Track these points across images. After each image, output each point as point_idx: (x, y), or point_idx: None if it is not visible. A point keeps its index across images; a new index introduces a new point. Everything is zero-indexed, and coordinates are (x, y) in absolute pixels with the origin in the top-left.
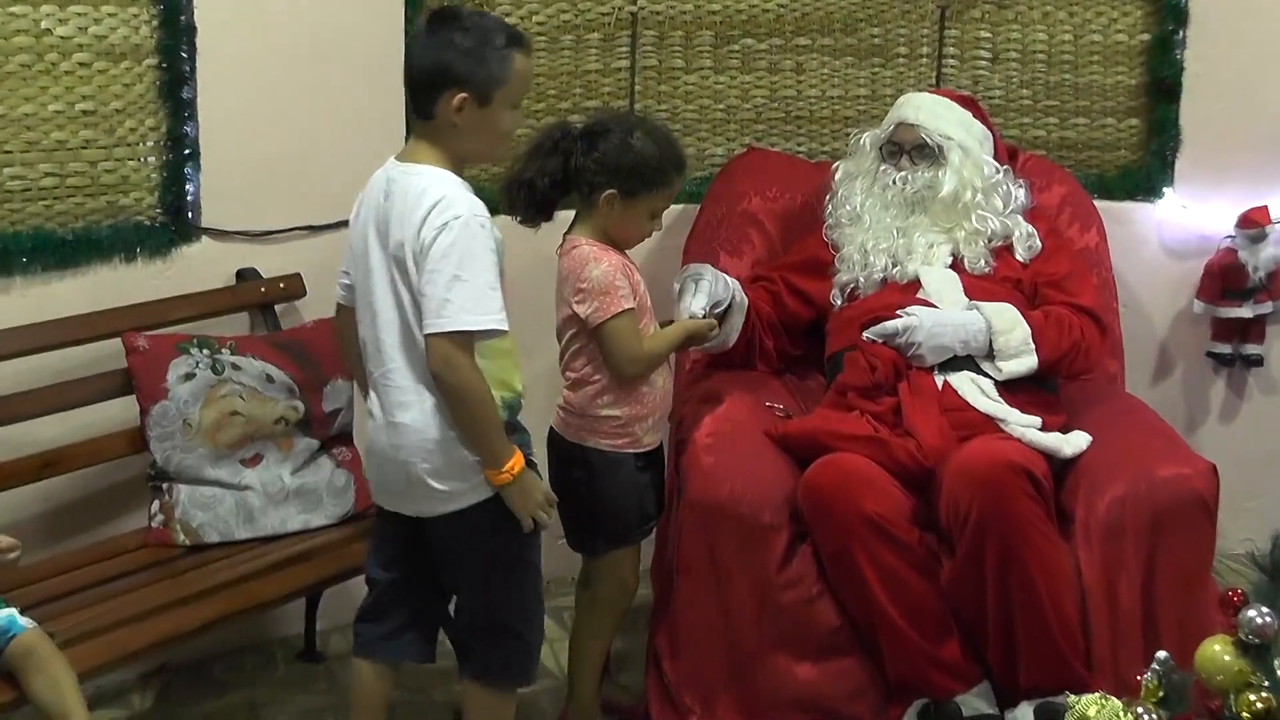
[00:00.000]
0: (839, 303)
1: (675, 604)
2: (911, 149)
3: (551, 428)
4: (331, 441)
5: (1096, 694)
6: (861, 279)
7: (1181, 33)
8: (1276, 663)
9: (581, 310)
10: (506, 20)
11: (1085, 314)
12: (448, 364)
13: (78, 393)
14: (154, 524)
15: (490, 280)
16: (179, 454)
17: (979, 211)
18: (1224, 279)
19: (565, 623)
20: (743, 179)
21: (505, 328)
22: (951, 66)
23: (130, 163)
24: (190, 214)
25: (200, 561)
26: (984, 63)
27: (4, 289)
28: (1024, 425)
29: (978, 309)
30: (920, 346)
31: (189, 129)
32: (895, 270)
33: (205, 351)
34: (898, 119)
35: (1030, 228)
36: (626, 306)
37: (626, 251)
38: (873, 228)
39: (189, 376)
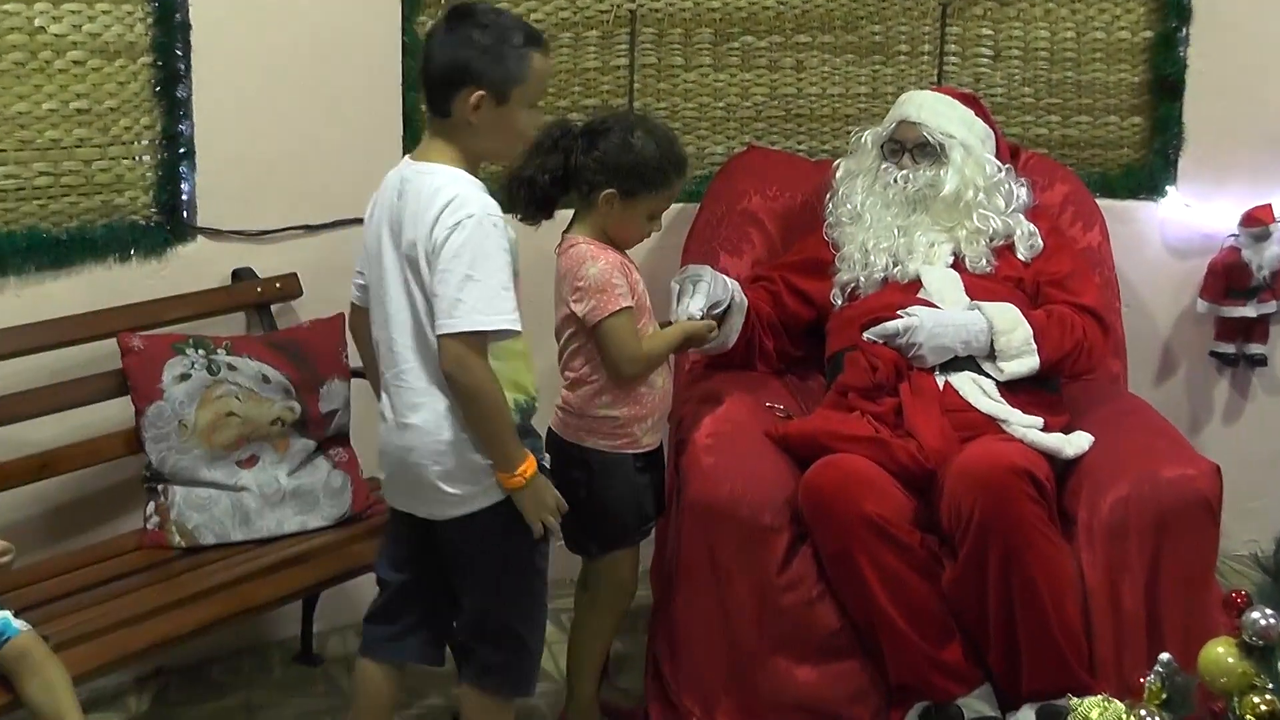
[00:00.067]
0: (839, 302)
1: (675, 605)
2: (913, 147)
3: (550, 428)
4: (328, 442)
5: (1099, 696)
6: (862, 278)
7: (1185, 30)
8: None
9: (579, 309)
10: None
11: (1087, 313)
12: (460, 365)
13: (73, 393)
14: (149, 526)
15: (503, 280)
16: (174, 455)
17: (981, 210)
18: (1227, 278)
19: (564, 625)
20: (743, 178)
21: (518, 328)
22: (953, 64)
23: (125, 162)
24: (185, 213)
25: (196, 563)
26: (986, 60)
27: None
28: (1025, 426)
29: (979, 309)
30: (921, 347)
31: (184, 128)
32: (896, 270)
33: (201, 352)
34: (899, 117)
35: (1032, 226)
36: (624, 305)
37: (626, 251)
38: (874, 226)
39: (184, 377)
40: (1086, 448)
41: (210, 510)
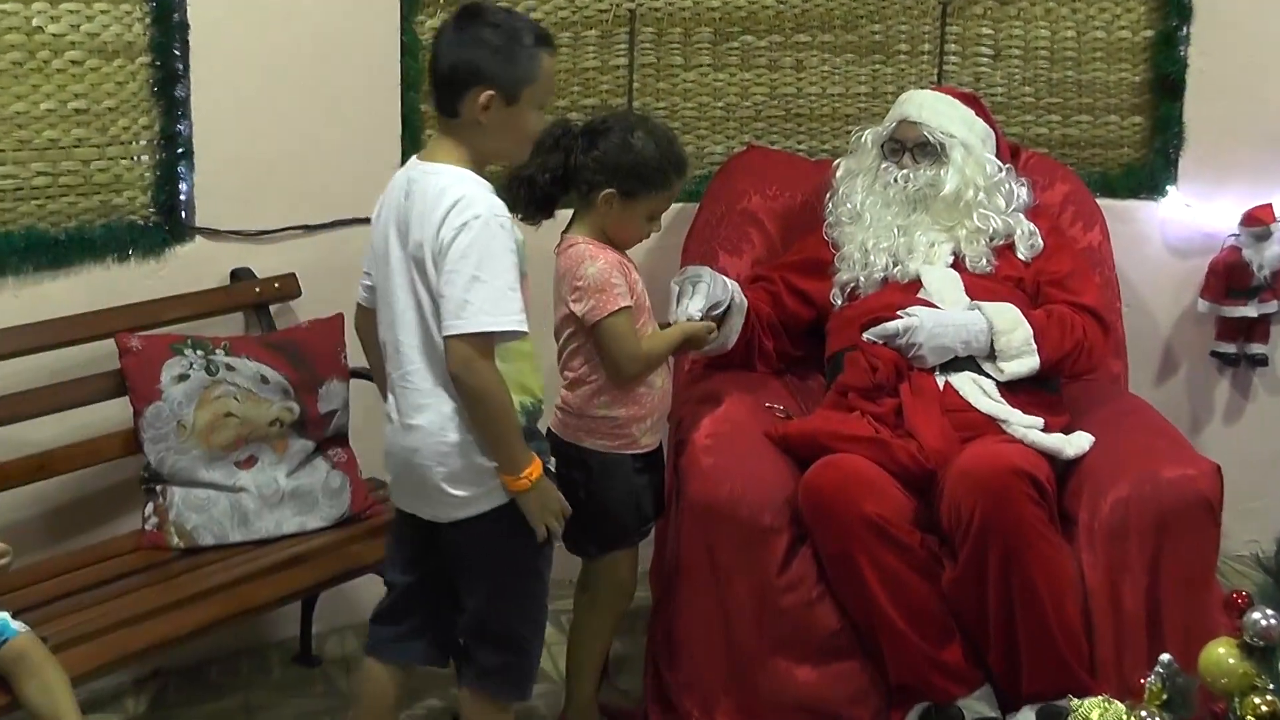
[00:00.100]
0: (839, 302)
1: (674, 606)
2: (914, 146)
3: (549, 428)
4: (327, 443)
5: (1099, 697)
6: (862, 278)
7: (1186, 29)
8: None
9: (578, 309)
10: None
11: (1088, 313)
12: (467, 366)
13: (71, 394)
14: (148, 526)
15: (510, 281)
16: (173, 456)
17: (981, 210)
18: (1228, 278)
19: (563, 626)
20: (742, 177)
21: (525, 329)
22: (953, 63)
23: (123, 161)
24: (184, 213)
25: (195, 564)
26: (986, 59)
27: None
28: (1026, 426)
29: (979, 309)
30: (921, 347)
31: (182, 127)
32: (896, 269)
33: (199, 352)
34: (900, 116)
35: (1032, 226)
36: (623, 304)
37: (625, 251)
38: (873, 226)
39: (183, 378)
40: (1087, 448)
41: (209, 511)
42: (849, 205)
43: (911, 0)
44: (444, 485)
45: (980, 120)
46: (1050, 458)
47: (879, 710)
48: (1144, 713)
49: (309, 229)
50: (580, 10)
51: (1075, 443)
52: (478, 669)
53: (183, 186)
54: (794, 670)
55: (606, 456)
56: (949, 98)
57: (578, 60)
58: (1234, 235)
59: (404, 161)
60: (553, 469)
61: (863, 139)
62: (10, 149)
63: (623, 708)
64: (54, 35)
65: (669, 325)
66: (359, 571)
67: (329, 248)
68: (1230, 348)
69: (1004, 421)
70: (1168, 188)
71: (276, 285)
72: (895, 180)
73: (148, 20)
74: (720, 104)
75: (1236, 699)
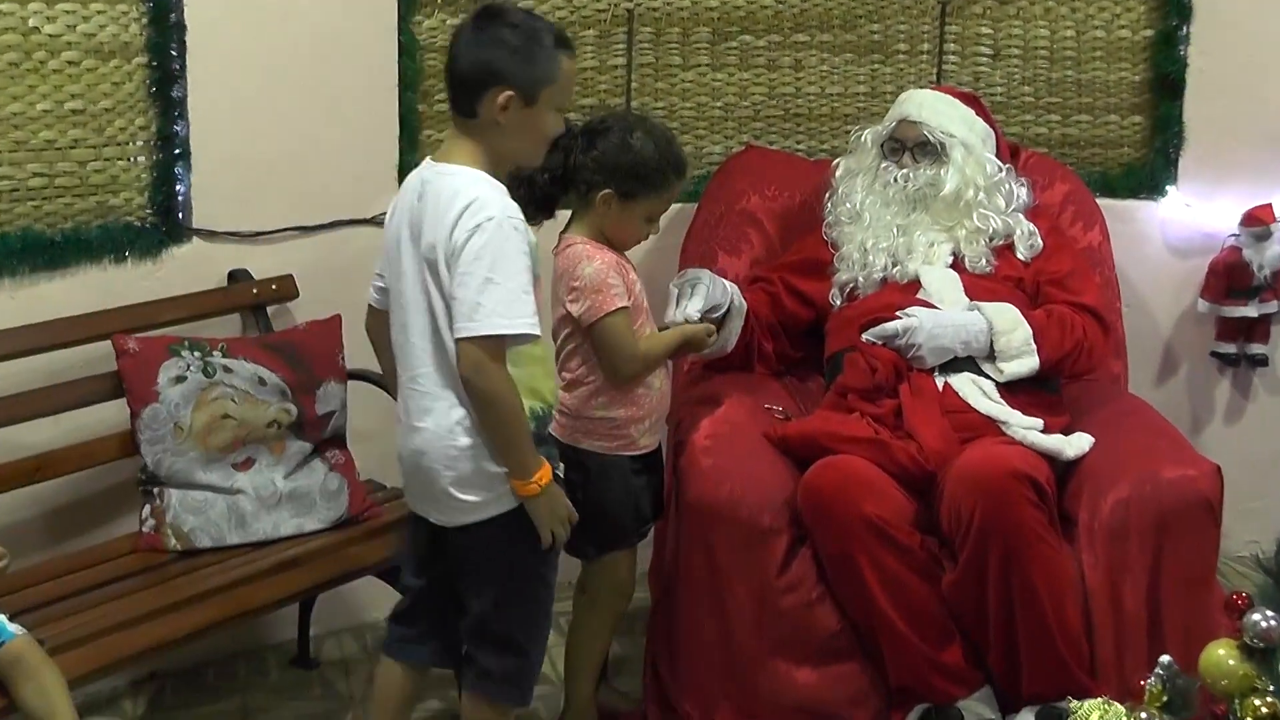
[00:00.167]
0: (838, 302)
1: (674, 608)
2: (914, 146)
3: None
4: (324, 445)
5: (1099, 699)
6: (861, 278)
7: (1185, 28)
8: None
9: (574, 309)
10: None
11: (1088, 313)
12: (478, 369)
13: (68, 396)
14: (145, 529)
15: (523, 284)
16: (170, 457)
17: (981, 210)
18: (1228, 278)
19: (562, 628)
20: (741, 177)
21: (538, 332)
22: (952, 63)
23: (120, 162)
24: (181, 214)
25: (192, 566)
26: (985, 59)
27: None
28: (1025, 427)
29: (978, 309)
30: (921, 348)
31: (179, 128)
32: (895, 269)
33: (196, 354)
34: (900, 115)
35: (1032, 226)
36: (620, 305)
37: (624, 251)
38: (873, 225)
39: (180, 379)
40: (1087, 449)
41: (206, 513)
42: (848, 205)
43: (910, 0)
44: (451, 489)
45: (980, 120)
46: (1050, 459)
47: (879, 712)
48: (1144, 714)
49: (306, 230)
50: (578, 10)
51: (1075, 443)
52: (479, 672)
53: (179, 187)
54: (793, 672)
55: (604, 458)
56: (949, 97)
57: (576, 60)
58: (1234, 235)
59: (402, 162)
60: (561, 474)
61: (862, 138)
62: (6, 150)
63: (621, 709)
64: (50, 35)
65: (667, 328)
66: (357, 574)
67: (326, 249)
68: (1230, 348)
69: (1003, 423)
70: (1168, 187)
71: (274, 286)
72: (895, 180)
73: (144, 21)
74: (719, 104)
75: (1237, 700)
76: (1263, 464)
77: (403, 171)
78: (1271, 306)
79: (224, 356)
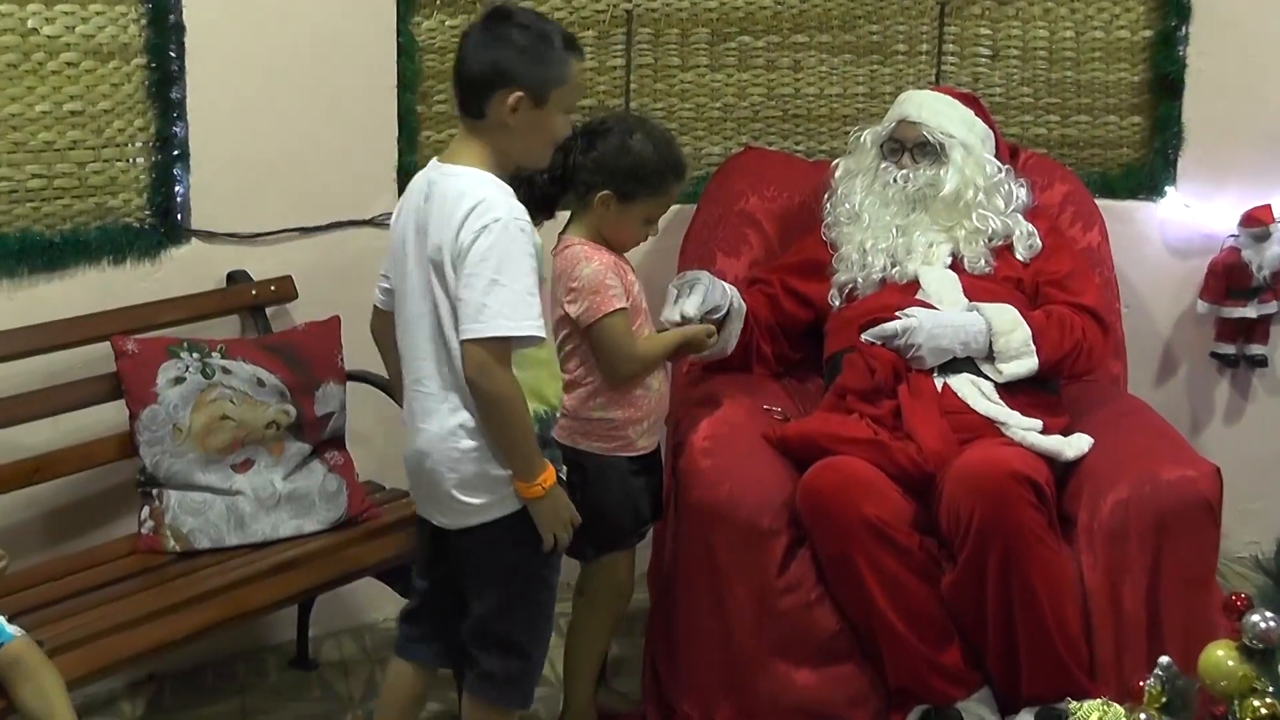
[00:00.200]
0: (837, 303)
1: (673, 609)
2: (913, 146)
3: None
4: (323, 446)
5: (1099, 700)
6: (860, 279)
7: (1184, 28)
8: None
9: (572, 310)
10: None
11: (1087, 313)
12: (483, 371)
13: (66, 397)
14: (144, 530)
15: (529, 286)
16: (169, 459)
17: (980, 210)
18: (1228, 278)
19: (561, 629)
20: (740, 178)
21: (543, 335)
22: (951, 64)
23: (118, 164)
24: (179, 216)
25: (191, 568)
26: (984, 60)
27: None
28: (1024, 428)
29: (978, 310)
30: (920, 348)
31: (178, 129)
32: (894, 270)
33: (195, 355)
34: (899, 116)
35: (1031, 227)
36: (618, 306)
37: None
38: (872, 226)
39: (179, 380)
40: (1086, 450)
41: (205, 514)
42: (847, 205)
43: (909, 0)
44: (454, 492)
45: (979, 121)
46: (1049, 459)
47: (878, 713)
48: (1143, 715)
49: (305, 231)
50: (577, 11)
51: (1074, 444)
52: (480, 674)
53: (178, 189)
54: (793, 673)
55: (602, 459)
56: (948, 98)
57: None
58: (1233, 236)
59: (400, 163)
60: (564, 477)
61: (861, 139)
62: (5, 151)
63: (620, 710)
64: (49, 37)
65: (664, 328)
66: (356, 575)
67: (325, 250)
68: (1230, 348)
69: (1003, 423)
70: (1167, 188)
71: (273, 287)
72: (895, 180)
73: (143, 22)
74: (717, 105)
75: (1236, 701)
76: (1262, 465)
77: (401, 172)
78: (1271, 307)
79: (223, 358)
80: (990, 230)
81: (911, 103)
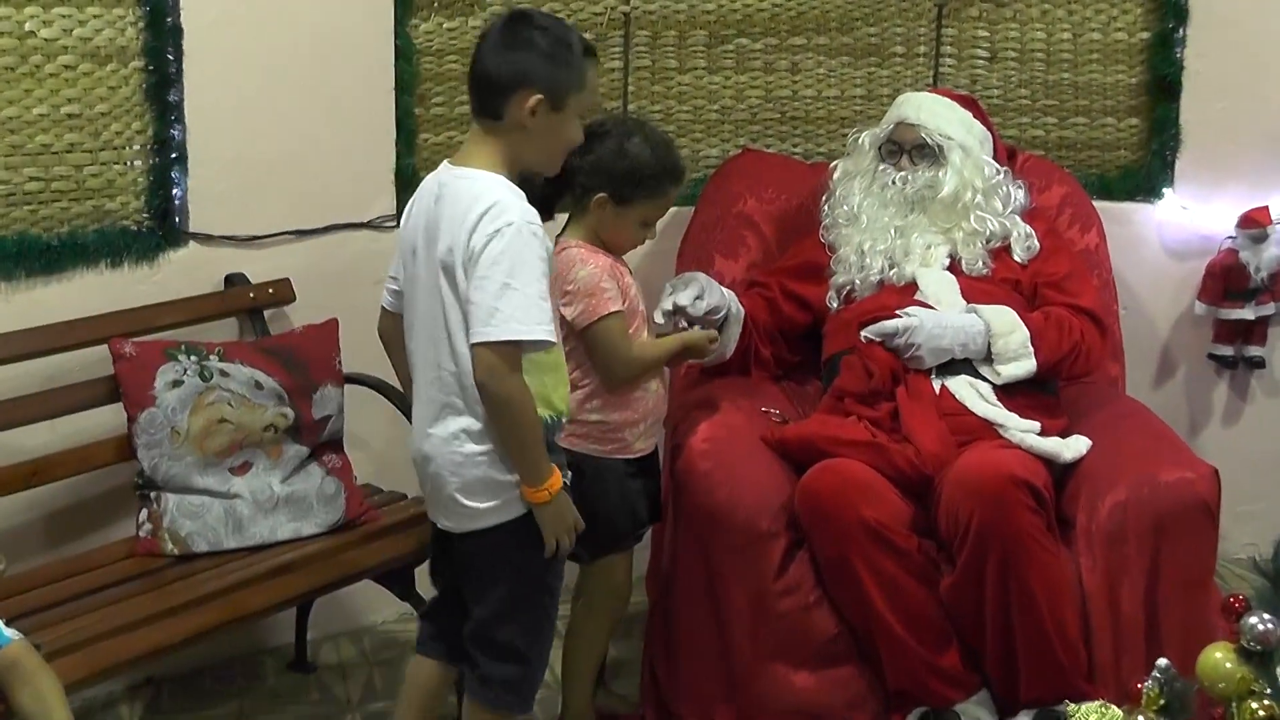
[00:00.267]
0: (835, 305)
1: (671, 611)
2: (911, 149)
3: None
4: (321, 449)
5: (1097, 702)
6: (858, 281)
7: (1182, 30)
8: (1279, 670)
9: (568, 312)
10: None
11: (1085, 315)
12: (493, 374)
13: (64, 400)
14: (142, 533)
15: (541, 290)
16: (167, 462)
17: (978, 212)
18: (1226, 280)
19: (560, 632)
20: (738, 180)
21: (554, 339)
22: (949, 66)
23: (116, 166)
24: (177, 218)
25: (189, 571)
26: (982, 62)
27: None
28: (1023, 430)
29: (976, 312)
30: (920, 348)
31: (176, 132)
32: (892, 272)
33: (193, 358)
34: (898, 118)
35: (1028, 228)
36: (614, 309)
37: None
38: (870, 228)
39: (177, 383)
40: (1084, 451)
41: (203, 517)
42: (846, 207)
43: (907, 3)
44: (458, 496)
45: (978, 123)
46: (1048, 461)
47: (876, 715)
48: (1141, 717)
49: (303, 234)
50: (575, 14)
51: (1073, 446)
52: (480, 678)
53: (176, 191)
54: (791, 675)
55: (599, 461)
56: (947, 100)
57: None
58: (1231, 237)
59: (398, 165)
60: (569, 482)
61: (860, 141)
62: (2, 154)
63: (619, 712)
64: (46, 40)
65: (658, 324)
66: (354, 578)
67: (323, 252)
68: (1228, 350)
69: (1001, 425)
70: (1164, 190)
71: (270, 290)
72: (893, 182)
73: (141, 25)
74: (715, 107)
75: (1234, 704)
76: (1260, 466)
77: (399, 175)
78: (1269, 309)
79: (221, 360)
80: (988, 232)
81: (910, 105)
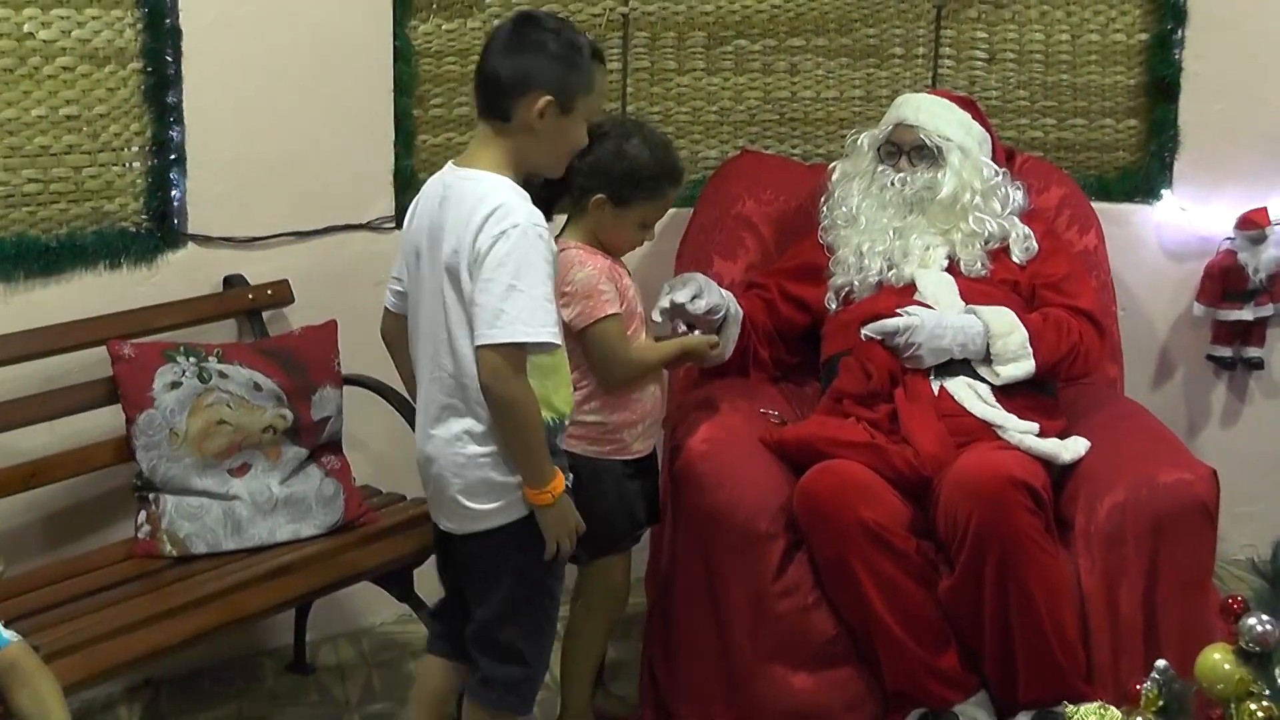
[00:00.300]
0: (834, 306)
1: (670, 612)
2: (910, 150)
3: None
4: (320, 450)
5: (1096, 704)
6: (856, 282)
7: (1180, 31)
8: (1277, 671)
9: (565, 314)
10: (495, 21)
11: (1084, 316)
12: (498, 376)
13: (63, 402)
14: (140, 535)
15: (546, 292)
16: (165, 463)
17: (977, 213)
18: (1224, 281)
19: (558, 633)
20: (736, 182)
21: (559, 342)
22: (947, 67)
23: (115, 168)
24: (176, 220)
25: (187, 573)
26: (980, 63)
27: None
28: (1021, 431)
29: (975, 313)
30: (920, 347)
31: (174, 133)
32: (891, 273)
33: (192, 359)
34: (896, 119)
35: (1027, 229)
36: (611, 311)
37: (620, 256)
38: (869, 229)
39: (175, 385)
40: (1083, 452)
41: (202, 519)
42: (844, 208)
43: (905, 4)
44: (459, 497)
45: (976, 124)
46: (1046, 463)
47: (875, 716)
48: (1140, 719)
49: (301, 235)
50: (573, 15)
51: (1071, 447)
52: (480, 679)
53: (175, 193)
54: (790, 677)
55: (596, 462)
56: (945, 101)
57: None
58: (1229, 239)
59: (397, 167)
60: (570, 485)
61: (858, 142)
62: (1, 155)
63: (618, 714)
64: (45, 41)
65: (656, 323)
66: (353, 579)
67: (322, 254)
68: (1226, 351)
69: (999, 426)
70: (1163, 191)
71: (269, 291)
72: (892, 183)
73: (139, 26)
74: (714, 108)
75: (1233, 705)
76: (1259, 467)
77: (398, 176)
78: (1267, 310)
79: (219, 362)
80: (987, 233)
81: (908, 106)
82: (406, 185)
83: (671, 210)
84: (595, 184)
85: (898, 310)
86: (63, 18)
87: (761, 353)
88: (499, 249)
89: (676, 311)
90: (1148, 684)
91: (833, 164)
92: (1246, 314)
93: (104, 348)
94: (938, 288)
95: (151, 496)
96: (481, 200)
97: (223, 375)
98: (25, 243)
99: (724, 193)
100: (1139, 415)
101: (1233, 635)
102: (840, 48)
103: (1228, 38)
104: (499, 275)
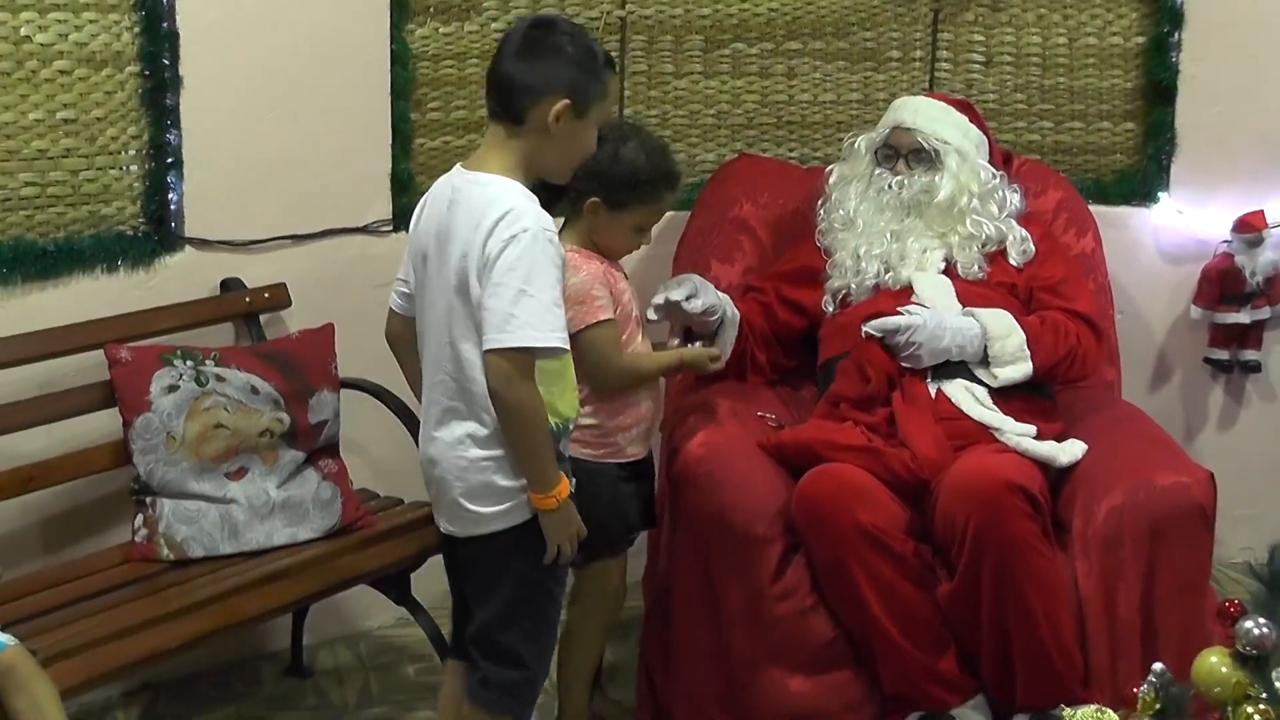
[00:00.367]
0: (831, 309)
1: (667, 616)
2: (908, 153)
3: None
4: (318, 454)
5: (1093, 706)
6: (853, 285)
7: (1177, 35)
8: (1275, 674)
9: None
10: (492, 25)
11: (1081, 319)
12: (507, 381)
13: (60, 405)
14: (137, 538)
15: (555, 297)
16: (162, 467)
17: (974, 216)
18: (1221, 284)
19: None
20: (734, 185)
21: (567, 347)
22: (945, 70)
23: (112, 171)
24: (173, 223)
25: (184, 576)
26: (978, 66)
27: None
28: (1019, 434)
29: (973, 315)
30: (920, 347)
31: (172, 137)
32: (888, 276)
33: (189, 363)
34: (894, 123)
35: (1024, 232)
36: (603, 317)
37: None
38: (866, 232)
39: (172, 388)
40: (1080, 455)
41: (199, 523)
42: (842, 211)
43: (903, 7)
44: (462, 500)
45: (974, 127)
46: (1044, 466)
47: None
48: None
49: (299, 238)
50: (571, 19)
51: (1068, 450)
52: (480, 680)
53: (172, 196)
54: (787, 680)
55: (590, 465)
56: (943, 104)
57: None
58: (1226, 241)
59: (394, 170)
60: (572, 490)
61: (856, 145)
62: None
63: (615, 718)
64: (42, 45)
65: (651, 321)
66: (350, 583)
67: (319, 257)
68: (1223, 354)
69: (997, 429)
70: (1160, 194)
71: (266, 295)
72: (889, 186)
73: (136, 29)
74: (712, 111)
75: (1230, 708)
76: (1256, 470)
77: (395, 180)
78: (1264, 313)
79: (216, 365)
80: (984, 236)
81: (906, 109)
82: (404, 189)
83: (669, 213)
84: (591, 187)
85: (899, 309)
86: (60, 21)
87: (759, 356)
88: (509, 254)
89: (672, 310)
90: (1145, 687)
91: (830, 167)
92: (1243, 317)
93: (101, 351)
94: (935, 290)
95: (149, 500)
96: (491, 204)
97: (220, 379)
98: (22, 246)
99: (721, 196)
100: (1136, 418)
101: (1230, 638)
102: (837, 51)
103: (1225, 41)
104: (509, 280)
